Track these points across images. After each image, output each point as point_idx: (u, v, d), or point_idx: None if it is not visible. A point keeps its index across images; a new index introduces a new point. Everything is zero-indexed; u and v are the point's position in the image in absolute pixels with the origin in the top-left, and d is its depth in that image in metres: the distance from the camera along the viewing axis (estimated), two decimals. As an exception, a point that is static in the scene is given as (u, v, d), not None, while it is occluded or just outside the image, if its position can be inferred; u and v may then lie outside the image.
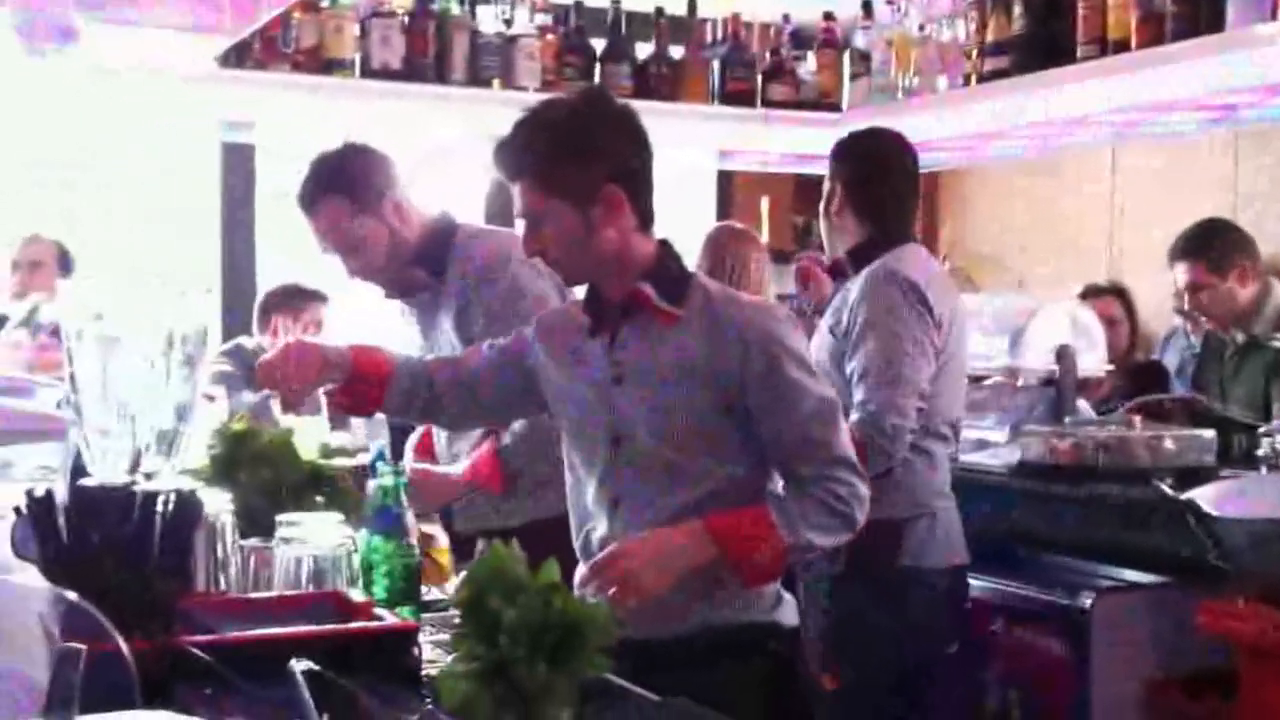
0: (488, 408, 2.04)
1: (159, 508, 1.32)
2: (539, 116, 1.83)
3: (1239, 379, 3.33)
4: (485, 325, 2.33)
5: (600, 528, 1.85)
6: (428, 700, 1.25)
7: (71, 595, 1.07)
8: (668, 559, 1.70)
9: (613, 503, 1.87)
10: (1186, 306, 3.41)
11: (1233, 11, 2.69)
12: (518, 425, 2.36)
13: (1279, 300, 3.33)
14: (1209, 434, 2.63)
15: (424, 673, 1.38)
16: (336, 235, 2.43)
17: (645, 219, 1.84)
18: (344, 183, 2.42)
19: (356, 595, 1.54)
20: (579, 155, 1.78)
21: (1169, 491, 2.39)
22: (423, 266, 2.48)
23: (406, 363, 2.03)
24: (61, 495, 1.33)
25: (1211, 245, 3.35)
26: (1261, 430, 2.55)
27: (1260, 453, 2.50)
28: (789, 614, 1.88)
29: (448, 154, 4.04)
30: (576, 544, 1.89)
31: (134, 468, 1.41)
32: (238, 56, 3.34)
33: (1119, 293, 3.98)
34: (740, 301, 1.87)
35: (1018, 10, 3.30)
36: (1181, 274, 3.34)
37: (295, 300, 3.72)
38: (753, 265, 3.51)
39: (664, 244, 1.87)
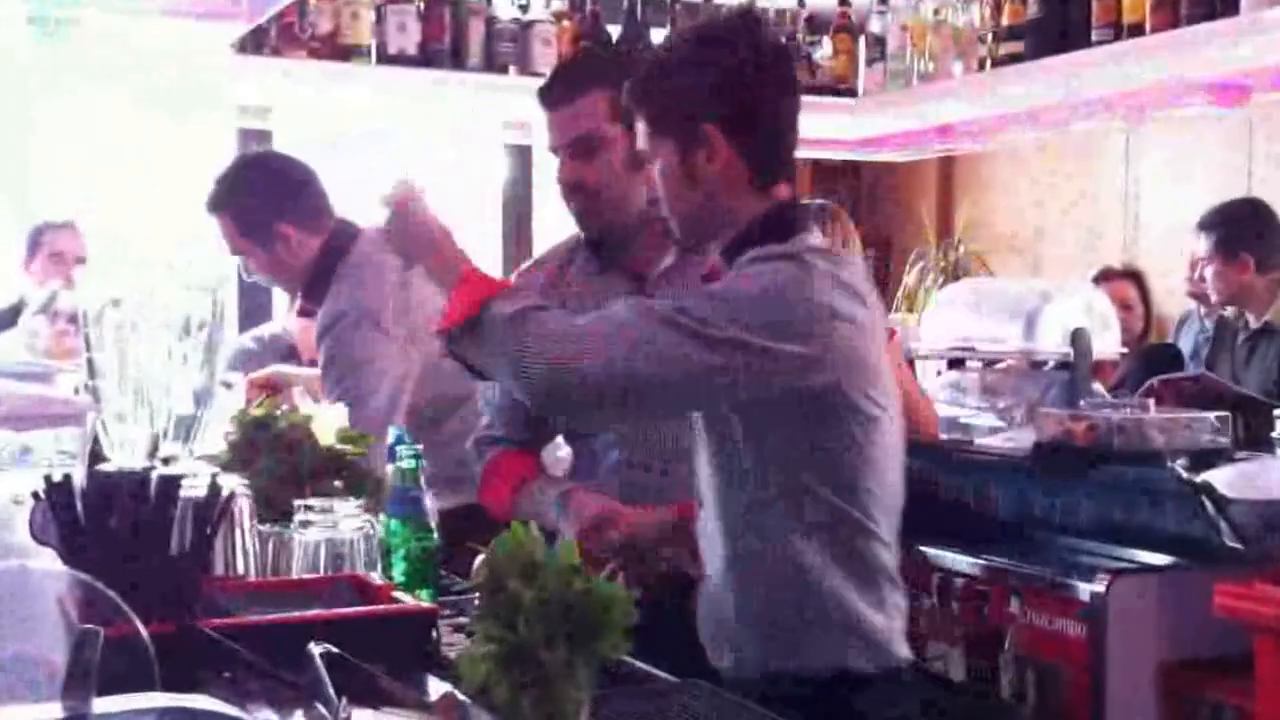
0: None
1: (178, 492, 1.33)
2: (666, 44, 1.85)
3: (1251, 365, 3.32)
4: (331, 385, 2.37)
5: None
6: (447, 683, 1.26)
7: (89, 579, 1.08)
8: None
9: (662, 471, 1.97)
10: (1194, 281, 3.45)
11: (1248, -6, 2.67)
12: None
13: None
14: (1224, 416, 2.62)
15: (443, 655, 1.39)
16: (226, 243, 2.51)
17: (764, 173, 1.64)
18: (232, 203, 2.48)
19: (375, 579, 1.55)
20: (680, 88, 1.62)
21: (1184, 474, 2.38)
22: (305, 295, 2.52)
23: None
24: (80, 480, 1.34)
25: (1224, 225, 3.35)
26: (1277, 412, 2.54)
27: (1275, 435, 2.49)
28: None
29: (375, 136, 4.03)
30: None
31: (152, 453, 1.42)
32: (254, 43, 3.35)
33: (1134, 276, 3.97)
34: None
35: (1032, -6, 3.28)
36: (1199, 246, 3.39)
37: None
38: None
39: (781, 204, 1.65)
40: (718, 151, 1.61)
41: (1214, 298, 3.49)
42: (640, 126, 1.67)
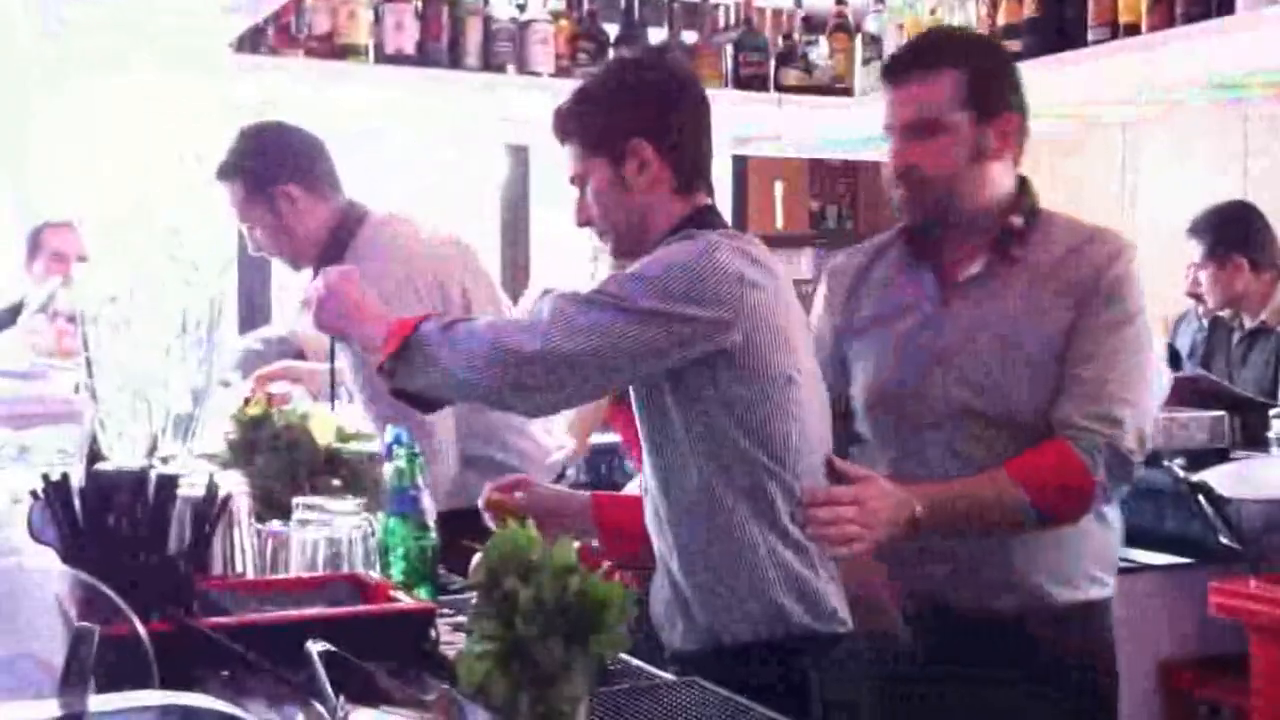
0: None
1: (176, 491, 1.33)
2: (591, 78, 1.90)
3: (1247, 364, 3.33)
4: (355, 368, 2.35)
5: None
6: (445, 681, 1.26)
7: (88, 578, 1.08)
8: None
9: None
10: (1195, 286, 3.46)
11: (1244, -7, 2.68)
12: None
13: None
14: (1220, 416, 2.63)
15: (441, 654, 1.39)
16: (235, 211, 2.50)
17: (685, 181, 1.80)
18: (237, 167, 2.47)
19: (373, 577, 1.55)
20: (610, 109, 1.80)
21: (1181, 473, 2.39)
22: (317, 272, 2.50)
23: None
24: (78, 479, 1.34)
25: (1215, 229, 3.37)
26: (1273, 412, 2.55)
27: (1271, 434, 2.50)
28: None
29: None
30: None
31: (151, 452, 1.42)
32: (252, 42, 3.35)
33: None
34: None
35: (1029, -7, 3.28)
36: (1194, 251, 3.42)
37: None
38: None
39: (700, 207, 1.81)
40: (648, 162, 1.78)
41: (1210, 302, 3.50)
42: (572, 153, 1.83)
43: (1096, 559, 1.93)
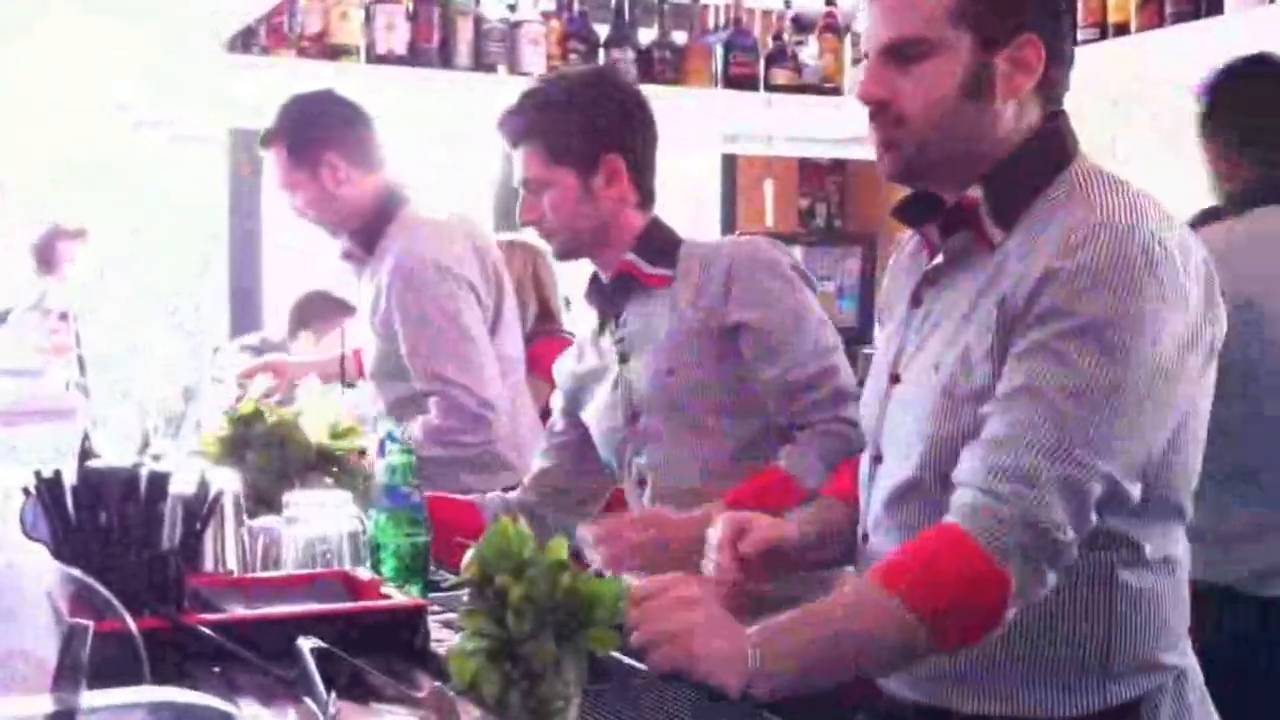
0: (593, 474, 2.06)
1: (167, 488, 1.33)
2: (550, 85, 1.91)
3: None
4: (411, 342, 2.39)
5: (635, 512, 1.88)
6: (436, 678, 1.26)
7: (80, 575, 1.08)
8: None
9: (639, 484, 1.90)
10: None
11: (1233, -7, 2.69)
12: None
13: None
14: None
15: (432, 651, 1.39)
16: (278, 176, 2.53)
17: (645, 197, 1.90)
18: (284, 130, 2.49)
19: (364, 574, 1.55)
20: (585, 123, 1.84)
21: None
22: (353, 239, 2.52)
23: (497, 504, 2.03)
24: (70, 476, 1.34)
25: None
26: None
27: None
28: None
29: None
30: None
31: (142, 449, 1.42)
32: (244, 42, 3.35)
33: None
34: (727, 239, 1.94)
35: (1020, -7, 3.30)
36: None
37: (330, 311, 3.69)
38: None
39: (655, 219, 1.92)
40: (618, 177, 1.85)
41: None
42: (530, 156, 1.86)
43: (1137, 638, 1.34)
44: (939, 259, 1.38)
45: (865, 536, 1.46)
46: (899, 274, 1.52)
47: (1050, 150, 1.34)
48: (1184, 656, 1.38)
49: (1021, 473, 1.21)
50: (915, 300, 1.42)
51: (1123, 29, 2.98)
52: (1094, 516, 1.24)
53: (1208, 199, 3.74)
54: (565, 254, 1.97)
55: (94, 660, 0.92)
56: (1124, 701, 1.33)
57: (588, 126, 1.85)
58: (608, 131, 1.86)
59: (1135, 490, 1.25)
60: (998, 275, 1.30)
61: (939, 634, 1.22)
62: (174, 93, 3.48)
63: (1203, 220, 3.50)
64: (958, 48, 1.30)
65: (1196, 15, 2.81)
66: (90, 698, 0.91)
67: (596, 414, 1.98)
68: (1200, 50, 2.92)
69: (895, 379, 1.41)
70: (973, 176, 1.34)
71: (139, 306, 1.43)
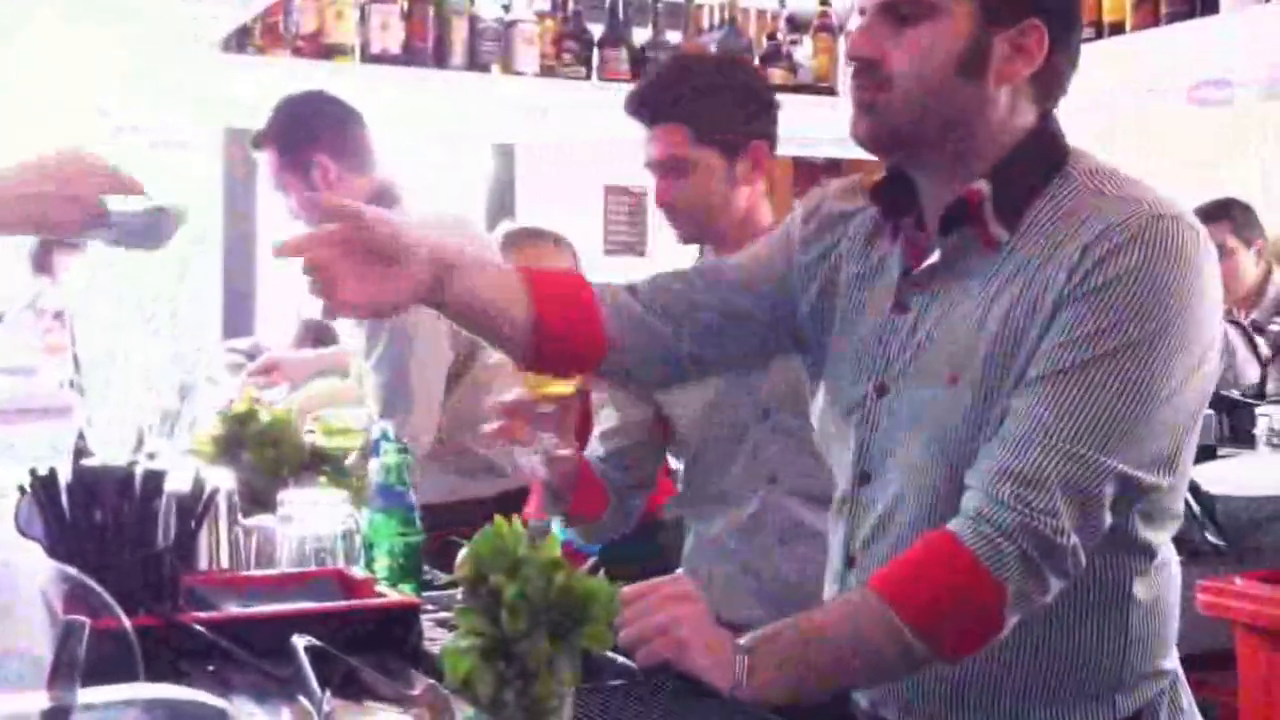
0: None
1: (162, 487, 1.33)
2: (694, 63, 1.89)
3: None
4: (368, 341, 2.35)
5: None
6: (430, 677, 1.26)
7: (74, 573, 1.08)
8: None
9: (769, 480, 1.85)
10: None
11: (1228, -6, 2.70)
12: None
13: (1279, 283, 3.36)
14: (1208, 414, 2.64)
15: (426, 649, 1.39)
16: (270, 178, 2.51)
17: (769, 188, 1.88)
18: (275, 132, 2.48)
19: (358, 573, 1.55)
20: (736, 105, 1.79)
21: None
22: None
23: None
24: (65, 474, 1.34)
25: (1232, 213, 3.36)
26: (1260, 409, 2.56)
27: (1257, 431, 2.51)
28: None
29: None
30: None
31: (137, 447, 1.42)
32: (239, 42, 3.35)
33: None
34: None
35: (1015, -7, 3.30)
36: None
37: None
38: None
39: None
40: (760, 166, 1.82)
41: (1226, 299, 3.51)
42: (671, 135, 1.80)
43: (1146, 649, 1.31)
44: (933, 259, 1.29)
45: (851, 560, 1.37)
46: (838, 269, 1.39)
47: (1048, 149, 1.28)
48: (1176, 660, 1.36)
49: (1027, 475, 1.17)
50: (900, 306, 1.32)
51: (1118, 28, 2.98)
52: (1108, 516, 1.19)
53: (1201, 196, 3.75)
54: (690, 239, 1.89)
55: (89, 658, 0.92)
56: (1128, 715, 1.30)
57: (738, 109, 1.79)
58: (756, 117, 1.81)
59: (1162, 480, 1.21)
60: (1013, 277, 1.23)
61: (933, 643, 1.18)
62: (167, 94, 3.48)
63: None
64: (958, 16, 1.23)
65: (1192, 15, 2.81)
66: (85, 695, 0.90)
67: (705, 409, 1.87)
68: (1195, 50, 2.92)
69: (882, 390, 1.32)
70: (955, 164, 1.27)
71: (122, 310, 1.43)
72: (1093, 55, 3.05)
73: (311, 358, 2.99)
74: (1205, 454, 2.55)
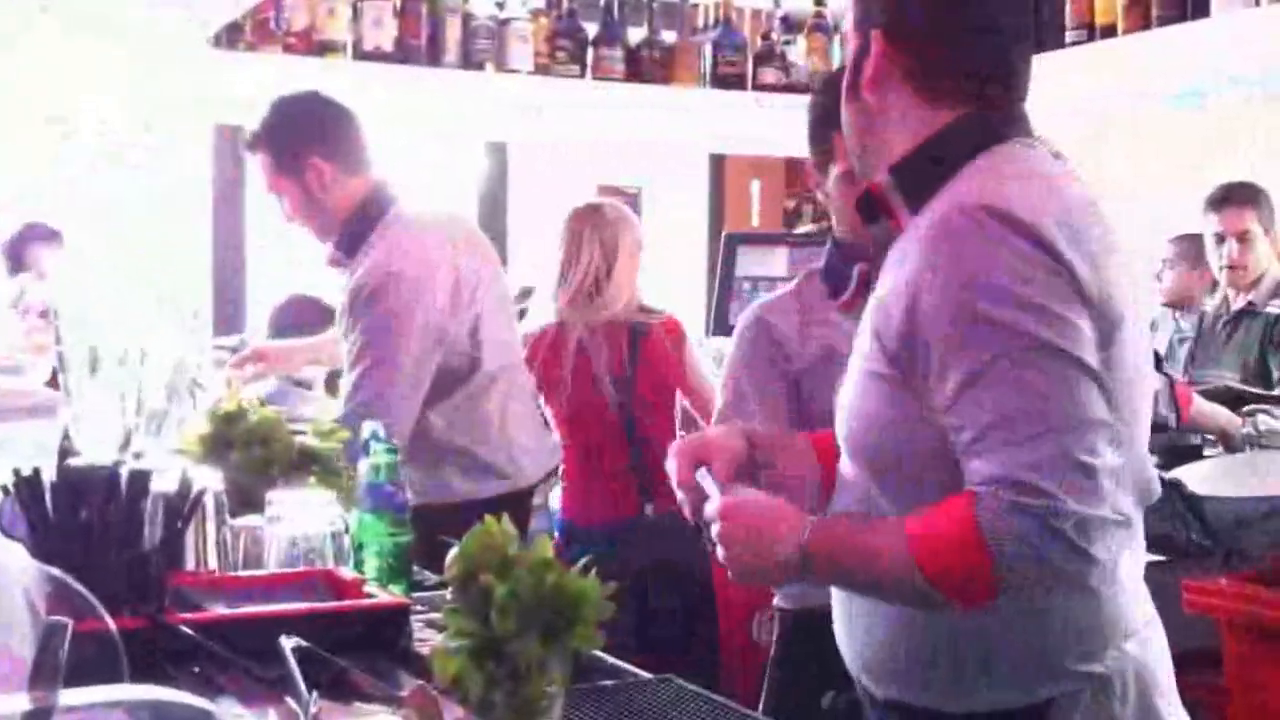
0: None
1: (148, 487, 1.32)
2: None
3: (1230, 344, 3.36)
4: (359, 349, 2.33)
5: None
6: (419, 677, 1.26)
7: (58, 573, 1.08)
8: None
9: None
10: (1233, 254, 3.36)
11: (1219, -3, 2.70)
12: None
13: (1277, 274, 3.37)
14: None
15: (416, 650, 1.39)
16: (264, 180, 2.50)
17: None
18: (269, 137, 2.46)
19: (347, 573, 1.54)
20: None
21: (1155, 471, 2.41)
22: (338, 244, 2.48)
23: None
24: (49, 474, 1.33)
25: (1259, 200, 3.36)
26: (1244, 410, 2.56)
27: (1244, 432, 2.52)
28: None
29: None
30: None
31: (124, 447, 1.41)
32: (229, 38, 3.33)
33: None
34: None
35: (1008, -6, 3.31)
36: (1230, 221, 3.35)
37: (314, 318, 3.59)
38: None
39: None
40: None
41: (1163, 298, 3.52)
42: None
43: (1025, 651, 1.31)
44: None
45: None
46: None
47: (957, 141, 1.33)
48: (1109, 663, 1.33)
49: (1013, 478, 1.18)
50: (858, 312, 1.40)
51: (1110, 31, 2.98)
52: (1105, 482, 1.18)
53: (1191, 197, 3.76)
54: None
55: (73, 659, 0.91)
56: (1033, 703, 1.31)
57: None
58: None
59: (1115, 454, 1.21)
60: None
61: (938, 589, 1.22)
62: (158, 92, 3.47)
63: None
64: (855, 44, 1.38)
65: (1183, 18, 2.81)
66: (67, 696, 0.90)
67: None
68: (1186, 52, 2.93)
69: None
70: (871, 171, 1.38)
71: (121, 307, 1.43)
72: (1084, 57, 3.07)
73: (301, 346, 2.94)
74: (1192, 454, 2.55)
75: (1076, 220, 1.26)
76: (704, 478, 1.39)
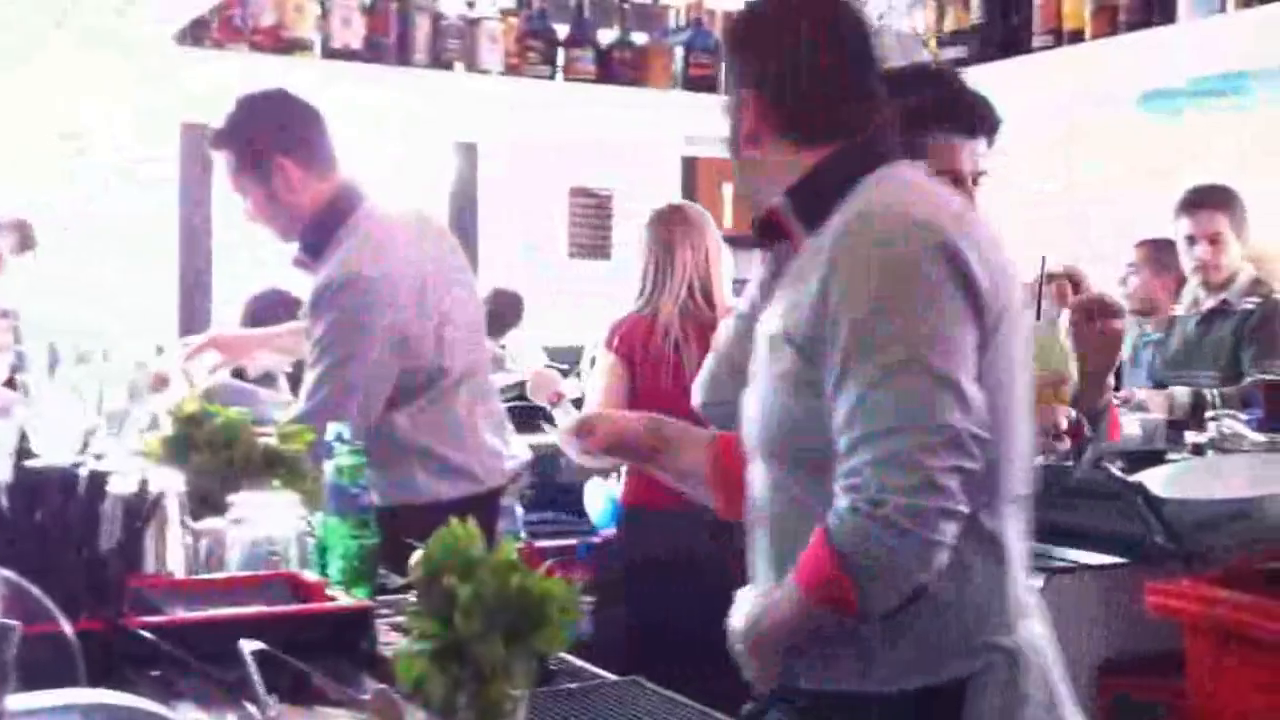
0: None
1: (106, 488, 1.31)
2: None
3: (1204, 342, 3.38)
4: (322, 348, 2.31)
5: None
6: (383, 681, 1.25)
7: (13, 575, 1.06)
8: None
9: None
10: (1205, 256, 3.39)
11: (1185, 3, 2.72)
12: None
13: (1250, 273, 3.40)
14: (1158, 419, 2.67)
15: (381, 654, 1.38)
16: (228, 180, 2.45)
17: None
18: (234, 133, 2.43)
19: (310, 576, 1.53)
20: None
21: (1118, 474, 2.42)
22: (303, 246, 2.46)
23: None
24: (5, 475, 1.31)
25: (1233, 200, 3.38)
26: (1208, 414, 2.59)
27: (1207, 437, 2.54)
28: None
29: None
30: None
31: (83, 448, 1.40)
32: (195, 35, 3.31)
33: (1071, 279, 4.05)
34: None
35: (975, 1, 3.32)
36: (1203, 224, 3.36)
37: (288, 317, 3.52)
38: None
39: None
40: None
41: (1131, 304, 3.55)
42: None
43: (961, 617, 1.38)
44: (764, 273, 1.57)
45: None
46: None
47: (840, 170, 1.44)
48: (1015, 637, 1.40)
49: (855, 466, 1.29)
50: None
51: (1077, 36, 3.01)
52: (947, 480, 1.28)
53: (1156, 202, 3.79)
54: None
55: (28, 662, 0.90)
56: (944, 682, 1.37)
57: None
58: None
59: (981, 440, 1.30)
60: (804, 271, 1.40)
61: (827, 607, 1.33)
62: (123, 90, 3.44)
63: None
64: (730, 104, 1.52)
65: (1149, 23, 2.84)
66: (18, 700, 0.88)
67: None
68: (1153, 57, 2.95)
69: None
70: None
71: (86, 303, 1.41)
72: (1052, 62, 3.10)
73: (259, 335, 2.89)
74: (1154, 458, 2.57)
75: (967, 221, 1.38)
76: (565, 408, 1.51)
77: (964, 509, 1.29)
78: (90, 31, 2.87)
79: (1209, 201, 3.39)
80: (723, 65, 1.61)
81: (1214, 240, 3.37)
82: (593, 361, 3.34)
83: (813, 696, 1.41)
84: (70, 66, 3.13)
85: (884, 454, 1.28)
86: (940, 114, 1.77)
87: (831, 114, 1.46)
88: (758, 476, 1.46)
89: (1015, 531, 1.41)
